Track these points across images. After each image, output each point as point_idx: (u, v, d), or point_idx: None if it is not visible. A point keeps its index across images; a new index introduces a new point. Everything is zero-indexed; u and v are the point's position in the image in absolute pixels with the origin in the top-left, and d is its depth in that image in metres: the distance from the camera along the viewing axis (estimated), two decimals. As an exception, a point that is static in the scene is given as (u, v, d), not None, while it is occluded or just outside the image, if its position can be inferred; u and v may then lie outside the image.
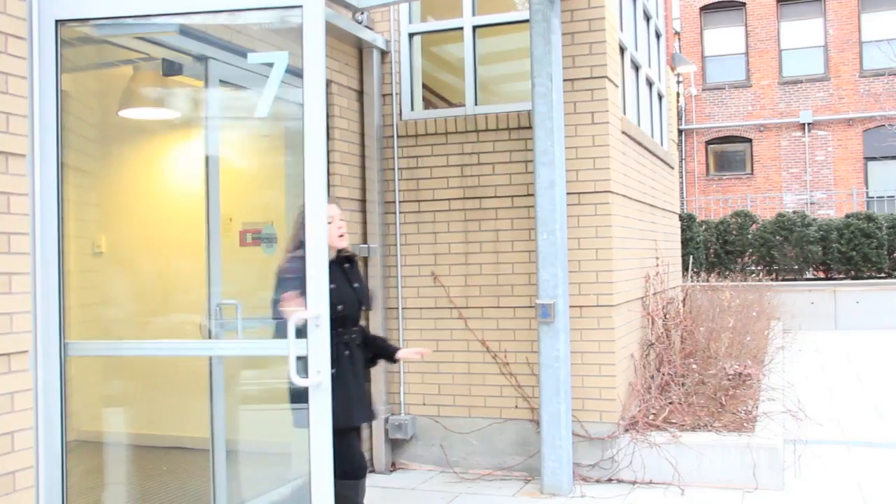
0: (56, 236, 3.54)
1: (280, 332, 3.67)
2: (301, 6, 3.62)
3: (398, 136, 6.42)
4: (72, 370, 4.99)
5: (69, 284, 4.02)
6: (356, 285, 4.38)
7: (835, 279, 16.15)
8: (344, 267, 4.33)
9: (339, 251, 4.31)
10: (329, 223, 3.92)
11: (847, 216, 16.40)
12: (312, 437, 3.47)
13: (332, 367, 3.51)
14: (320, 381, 3.42)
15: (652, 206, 7.61)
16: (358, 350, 4.35)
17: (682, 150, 23.50)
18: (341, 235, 4.27)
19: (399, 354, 4.74)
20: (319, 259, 3.50)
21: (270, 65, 3.97)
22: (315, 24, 3.62)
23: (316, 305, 3.45)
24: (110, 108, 5.56)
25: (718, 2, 23.75)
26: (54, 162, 3.53)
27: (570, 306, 5.85)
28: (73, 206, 5.35)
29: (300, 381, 3.41)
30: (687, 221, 16.30)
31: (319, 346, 3.43)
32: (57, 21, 3.55)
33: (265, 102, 3.86)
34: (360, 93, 6.33)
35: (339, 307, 4.04)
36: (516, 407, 6.10)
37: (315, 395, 3.44)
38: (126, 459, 5.65)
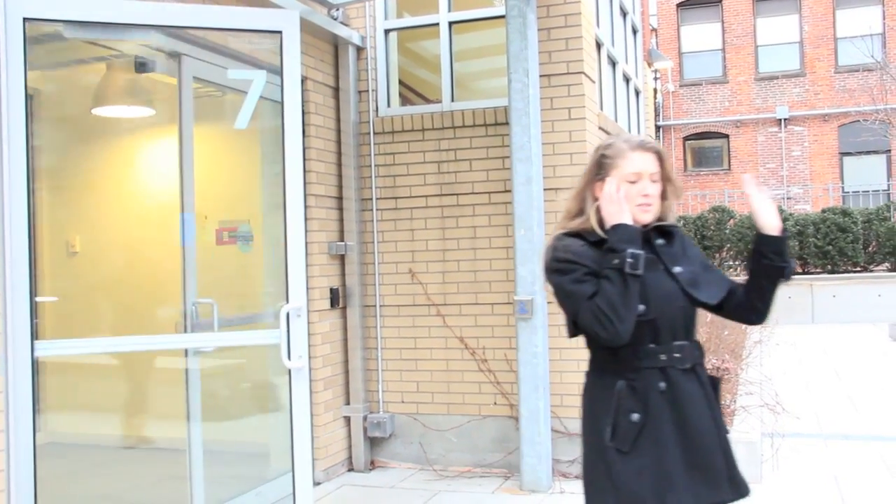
0: (26, 236, 3.49)
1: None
2: (280, 31, 3.93)
3: (374, 133, 6.39)
4: (46, 370, 4.94)
5: (43, 285, 3.98)
6: (678, 269, 2.66)
7: (811, 273, 16.27)
8: (657, 246, 2.69)
9: (646, 225, 2.68)
10: (633, 182, 2.65)
11: (823, 211, 16.54)
12: (294, 417, 3.92)
13: (636, 413, 2.51)
14: (301, 365, 3.91)
15: (629, 201, 7.61)
16: (692, 383, 2.62)
17: (659, 146, 23.57)
18: (642, 205, 2.65)
19: None
20: (297, 253, 3.95)
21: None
22: (293, 48, 3.96)
23: (296, 297, 3.95)
24: (84, 106, 5.50)
25: (695, -2, 23.87)
26: (23, 160, 3.48)
27: (548, 302, 5.84)
28: (47, 207, 5.31)
29: (287, 364, 3.91)
30: (665, 217, 16.35)
31: (300, 335, 3.93)
32: (24, 18, 3.50)
33: (244, 116, 4.24)
34: (336, 89, 6.29)
35: (641, 307, 2.53)
36: (495, 404, 6.09)
37: (296, 378, 3.93)
38: (102, 461, 5.59)
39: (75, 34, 3.82)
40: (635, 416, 2.50)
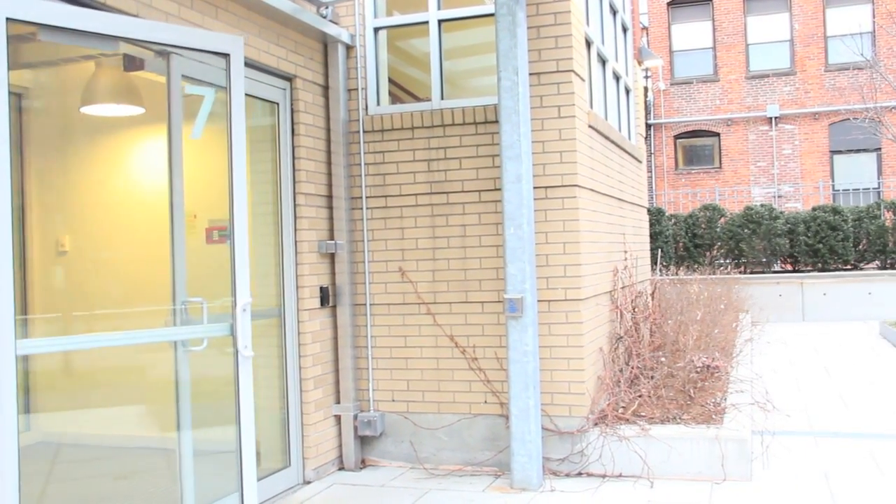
0: (9, 235, 3.47)
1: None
2: (229, 54, 4.48)
3: (364, 132, 6.38)
4: (35, 370, 4.92)
5: (32, 284, 3.96)
6: None
7: (802, 271, 16.32)
8: None
9: None
10: None
11: (814, 209, 16.58)
12: (241, 401, 4.43)
13: None
14: (248, 355, 4.45)
15: (620, 199, 7.63)
16: None
17: (650, 145, 23.63)
18: None
19: None
20: (242, 250, 4.46)
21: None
22: (238, 68, 4.53)
23: (243, 294, 4.47)
24: (72, 104, 5.48)
25: (686, -3, 23.90)
26: (6, 159, 3.47)
27: (539, 301, 5.85)
28: (36, 206, 5.28)
29: (243, 352, 4.45)
30: (656, 215, 16.39)
31: (245, 329, 4.45)
32: (7, 18, 3.51)
33: (197, 128, 4.72)
34: (326, 88, 6.28)
35: None
36: (485, 402, 6.09)
37: (243, 366, 4.45)
38: (90, 461, 5.57)
39: (52, 39, 3.90)
40: None
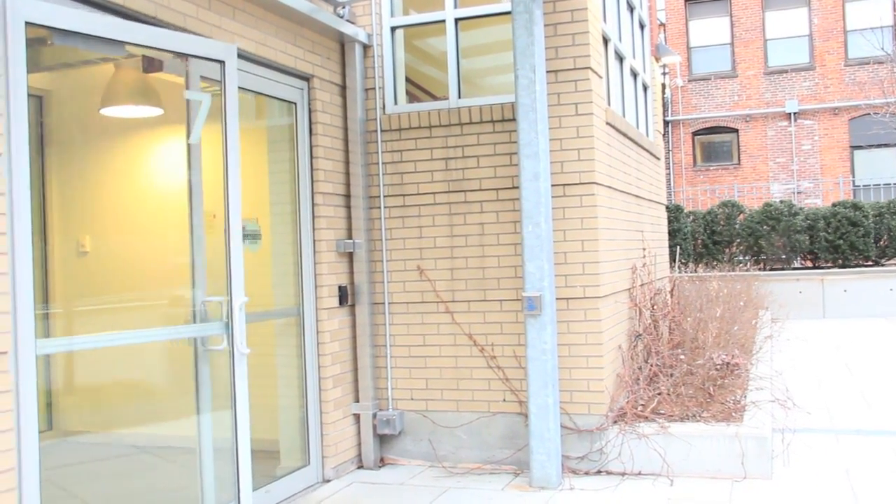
0: (29, 236, 3.51)
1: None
2: (223, 61, 4.66)
3: (382, 131, 6.39)
4: (57, 369, 4.97)
5: (53, 284, 3.99)
6: None
7: (822, 268, 16.20)
8: None
9: None
10: None
11: (834, 205, 16.46)
12: (237, 398, 4.57)
13: None
14: (244, 352, 4.61)
15: (638, 196, 7.60)
16: None
17: (668, 141, 23.54)
18: None
19: None
20: (237, 250, 4.61)
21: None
22: (232, 74, 4.71)
23: (238, 293, 4.64)
24: (92, 106, 5.52)
25: (703, -8, 23.79)
26: (26, 161, 3.51)
27: (557, 298, 5.84)
28: (57, 206, 5.32)
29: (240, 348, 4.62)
30: (674, 212, 16.32)
31: (240, 327, 4.63)
32: (26, 22, 3.57)
33: (195, 132, 4.74)
34: (343, 87, 6.30)
35: None
36: (504, 400, 6.09)
37: (239, 363, 4.60)
38: (111, 459, 5.61)
39: (64, 42, 3.96)
40: None
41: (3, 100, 3.43)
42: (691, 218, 16.97)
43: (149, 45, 4.34)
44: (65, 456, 5.17)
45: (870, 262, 16.17)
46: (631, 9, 8.03)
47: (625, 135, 6.96)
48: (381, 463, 6.33)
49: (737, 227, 16.74)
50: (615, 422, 5.90)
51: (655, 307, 7.47)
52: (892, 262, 16.33)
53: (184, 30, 4.69)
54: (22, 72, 3.51)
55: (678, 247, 15.23)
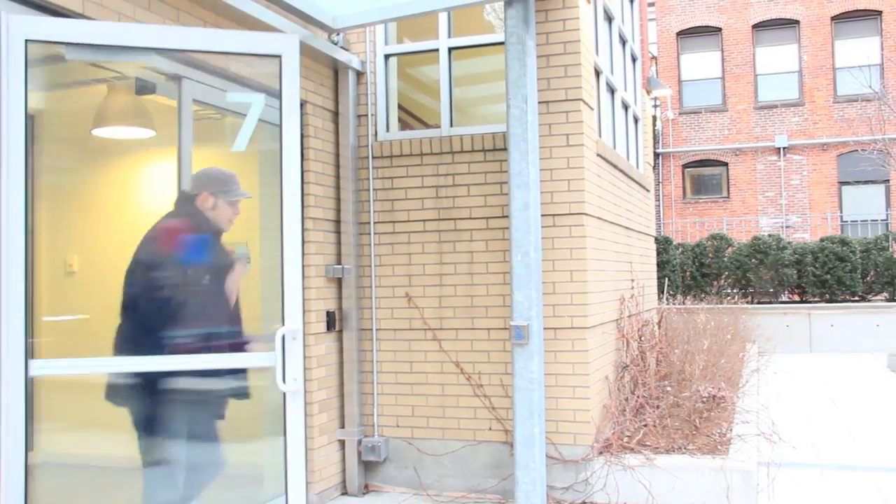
0: (22, 254, 3.50)
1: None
2: (280, 56, 4.03)
3: (373, 157, 6.41)
4: (41, 389, 4.92)
5: (39, 304, 3.97)
6: None
7: (809, 302, 16.26)
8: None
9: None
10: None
11: (822, 240, 16.54)
12: (288, 441, 4.03)
13: None
14: (296, 388, 4.00)
15: (627, 228, 7.64)
16: None
17: (659, 174, 23.67)
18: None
19: None
20: (294, 274, 4.09)
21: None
22: (292, 72, 4.06)
23: (292, 320, 4.05)
24: (84, 127, 5.53)
25: (695, 27, 24.03)
26: (21, 180, 3.50)
27: (545, 328, 5.84)
28: (46, 226, 5.31)
29: (282, 387, 3.99)
30: (663, 244, 16.38)
31: (295, 358, 4.00)
32: (27, 40, 3.54)
33: (243, 138, 4.37)
34: (336, 113, 6.32)
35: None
36: (490, 429, 6.07)
37: (291, 401, 4.03)
38: (94, 481, 5.56)
39: (79, 56, 3.85)
40: None
41: (-5, 119, 3.43)
42: (680, 250, 17.03)
43: (184, 48, 4.15)
44: (50, 478, 5.12)
45: (856, 298, 16.24)
46: (623, 42, 8.10)
47: (615, 166, 7.00)
48: (366, 490, 6.29)
49: (725, 259, 16.80)
50: (601, 453, 5.89)
51: (643, 338, 7.47)
52: (878, 297, 16.41)
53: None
54: (20, 92, 3.50)
55: (667, 278, 15.28)
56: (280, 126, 4.09)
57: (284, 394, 4.00)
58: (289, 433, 4.01)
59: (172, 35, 4.00)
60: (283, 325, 4.04)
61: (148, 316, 4.22)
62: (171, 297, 4.32)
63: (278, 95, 4.01)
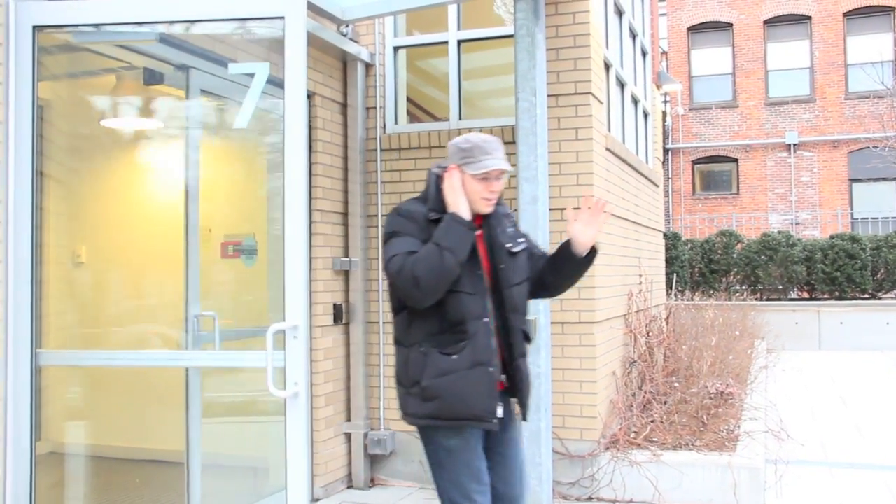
0: (30, 244, 3.49)
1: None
2: (283, 17, 3.59)
3: (381, 150, 6.39)
4: (47, 380, 4.93)
5: (47, 294, 3.97)
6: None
7: (819, 299, 16.19)
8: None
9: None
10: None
11: (831, 237, 16.47)
12: (288, 448, 3.59)
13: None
14: (297, 391, 3.47)
15: (636, 223, 7.60)
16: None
17: (668, 169, 23.59)
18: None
19: None
20: (297, 267, 3.58)
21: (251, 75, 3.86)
22: (297, 35, 3.60)
23: (293, 316, 3.51)
24: (92, 117, 5.52)
25: (706, 22, 23.92)
26: (29, 169, 3.49)
27: (552, 323, 5.81)
28: (54, 216, 5.31)
29: (277, 393, 3.42)
30: (672, 240, 16.32)
31: (296, 358, 3.48)
32: (35, 27, 3.52)
33: (245, 113, 3.77)
34: (344, 105, 6.30)
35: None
36: (497, 423, 6.04)
37: (293, 407, 3.50)
38: (100, 472, 5.57)
39: (85, 39, 3.82)
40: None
41: (3, 108, 3.42)
42: (689, 246, 16.97)
43: (185, 19, 3.81)
44: (54, 468, 5.13)
45: (866, 295, 16.16)
46: (633, 36, 8.06)
47: (624, 161, 6.97)
48: (372, 483, 6.28)
49: (734, 256, 16.74)
50: (607, 448, 5.87)
51: (651, 334, 7.44)
52: (888, 295, 16.33)
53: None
54: (28, 80, 3.48)
55: (675, 274, 15.23)
56: (284, 98, 3.62)
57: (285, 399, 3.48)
58: (289, 441, 3.56)
59: (169, 5, 3.67)
60: (284, 320, 3.51)
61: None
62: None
63: (281, 64, 3.57)
